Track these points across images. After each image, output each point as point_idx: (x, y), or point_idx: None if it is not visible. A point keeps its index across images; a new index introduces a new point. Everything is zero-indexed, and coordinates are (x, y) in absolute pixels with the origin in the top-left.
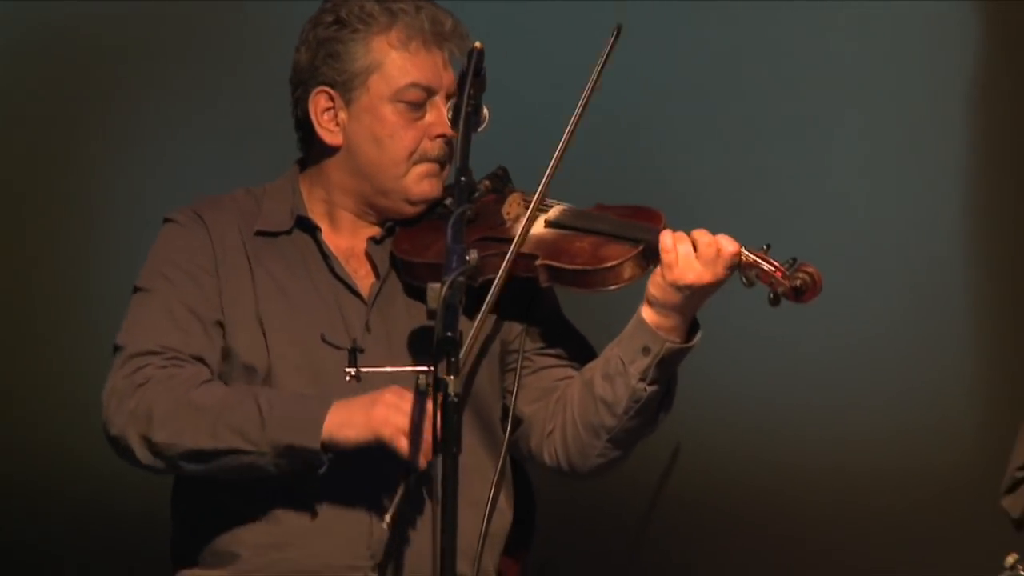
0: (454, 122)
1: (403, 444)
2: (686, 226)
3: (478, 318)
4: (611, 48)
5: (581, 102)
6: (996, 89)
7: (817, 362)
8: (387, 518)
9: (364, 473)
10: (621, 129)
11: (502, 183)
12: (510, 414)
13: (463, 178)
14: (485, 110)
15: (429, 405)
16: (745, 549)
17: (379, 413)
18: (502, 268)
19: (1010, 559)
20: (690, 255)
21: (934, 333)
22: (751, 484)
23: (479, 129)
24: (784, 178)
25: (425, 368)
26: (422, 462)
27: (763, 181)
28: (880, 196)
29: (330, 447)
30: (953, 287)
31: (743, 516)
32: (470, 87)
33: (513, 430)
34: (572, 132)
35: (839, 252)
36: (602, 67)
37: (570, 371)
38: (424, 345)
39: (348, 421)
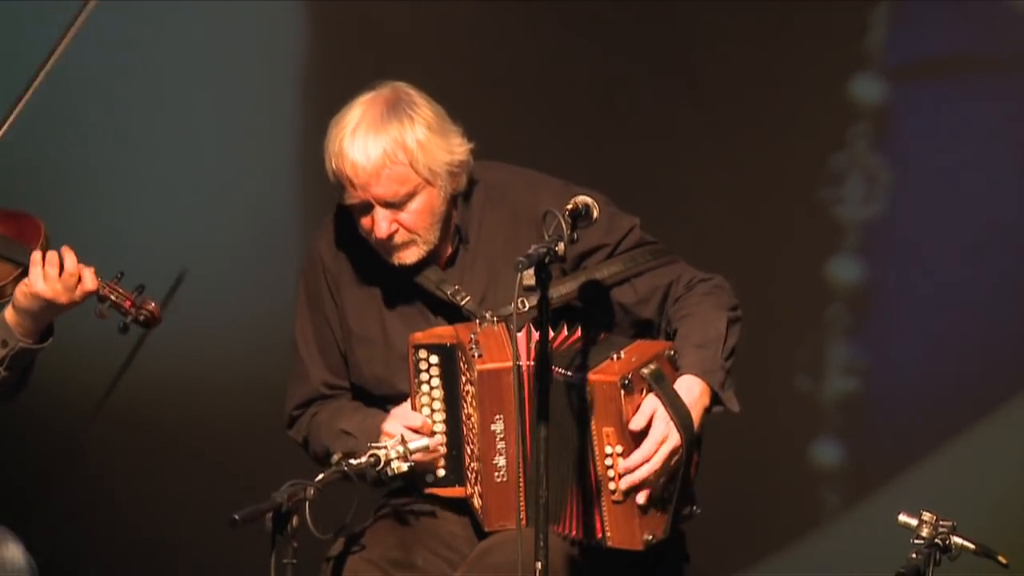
0: None
1: None
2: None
3: None
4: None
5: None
6: (320, 70)
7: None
8: None
9: None
10: None
11: None
12: None
13: None
14: None
15: None
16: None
17: None
18: None
19: (336, 456)
20: (54, 277)
21: (274, 268)
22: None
23: None
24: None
25: None
26: None
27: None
28: (223, 166)
29: None
30: (288, 230)
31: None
32: None
33: None
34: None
35: (193, 214)
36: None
37: None
38: None
39: None
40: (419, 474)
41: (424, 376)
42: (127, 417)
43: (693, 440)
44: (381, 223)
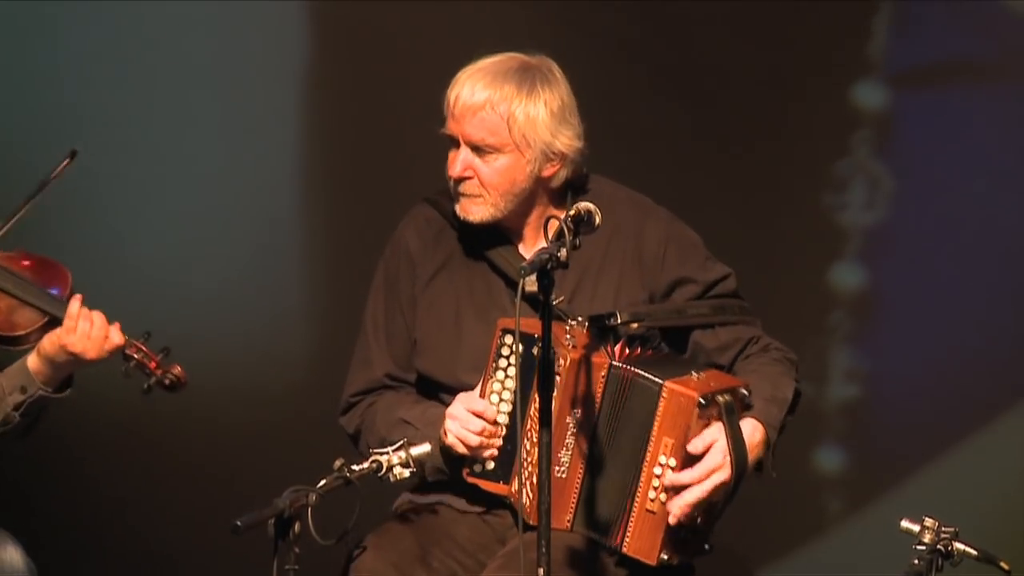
0: None
1: None
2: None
3: None
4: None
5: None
6: (322, 77)
7: (190, 297)
8: None
9: None
10: None
11: None
12: None
13: None
14: None
15: None
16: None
17: None
18: None
19: (337, 463)
20: (86, 332)
21: (277, 276)
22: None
23: None
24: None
25: None
26: None
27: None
28: (225, 174)
29: None
30: (291, 239)
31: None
32: None
33: None
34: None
35: (206, 218)
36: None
37: None
38: None
39: None
40: (466, 461)
41: (503, 363)
42: (128, 422)
43: (740, 482)
44: (459, 162)
